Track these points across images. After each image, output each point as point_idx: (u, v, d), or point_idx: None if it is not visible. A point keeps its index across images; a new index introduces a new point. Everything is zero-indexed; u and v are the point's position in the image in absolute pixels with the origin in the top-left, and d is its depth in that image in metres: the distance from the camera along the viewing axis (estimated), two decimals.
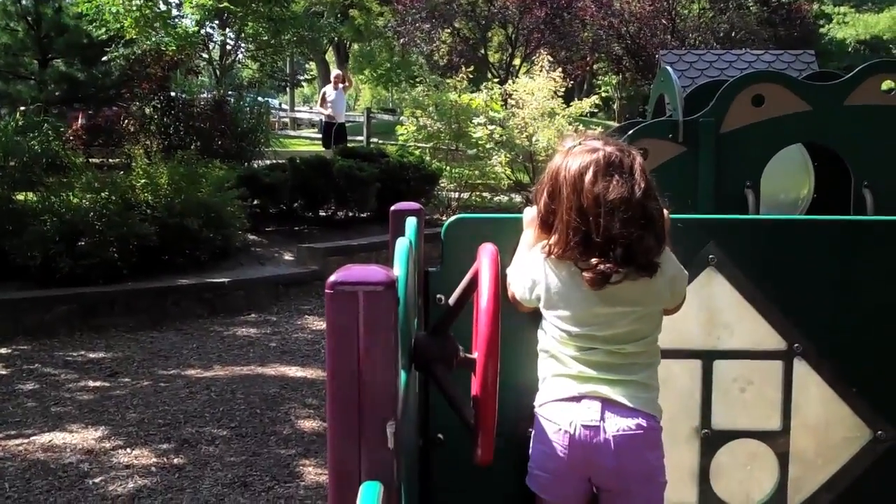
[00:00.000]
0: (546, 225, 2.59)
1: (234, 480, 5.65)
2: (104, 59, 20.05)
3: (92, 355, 8.53)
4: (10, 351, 8.62)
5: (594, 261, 2.46)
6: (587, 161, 2.51)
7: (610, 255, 2.45)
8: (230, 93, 19.58)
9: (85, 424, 6.64)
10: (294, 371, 8.05)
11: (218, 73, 23.56)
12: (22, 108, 18.33)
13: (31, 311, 9.35)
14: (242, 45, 25.13)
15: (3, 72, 20.91)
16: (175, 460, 5.98)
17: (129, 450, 6.16)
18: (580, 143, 2.59)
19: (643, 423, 2.55)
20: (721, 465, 2.97)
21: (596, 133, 2.73)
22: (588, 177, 2.48)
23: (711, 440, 2.96)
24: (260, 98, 19.45)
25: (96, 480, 5.66)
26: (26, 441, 6.32)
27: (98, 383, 7.65)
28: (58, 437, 6.39)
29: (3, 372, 7.96)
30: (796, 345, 2.93)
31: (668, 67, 8.17)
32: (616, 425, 2.52)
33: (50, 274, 9.65)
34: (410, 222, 2.80)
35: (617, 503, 2.61)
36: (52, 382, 7.68)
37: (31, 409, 6.99)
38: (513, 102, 17.98)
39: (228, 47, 24.68)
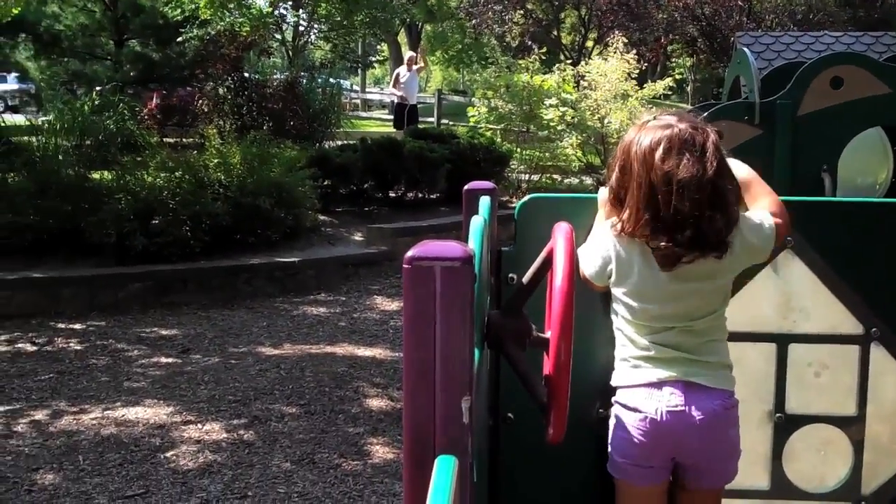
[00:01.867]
0: (617, 200, 2.57)
1: (303, 457, 5.70)
2: (179, 39, 20.18)
3: (164, 332, 8.64)
4: (84, 326, 8.77)
5: (663, 244, 2.45)
6: (659, 137, 2.48)
7: (678, 237, 2.42)
8: (302, 74, 19.66)
9: (157, 399, 6.74)
10: (362, 350, 8.09)
11: (290, 54, 23.71)
12: (98, 87, 18.58)
13: (105, 288, 9.50)
14: (315, 26, 25.27)
15: (80, 52, 21.21)
16: (245, 436, 6.05)
17: (199, 425, 6.24)
18: (654, 118, 2.57)
19: (724, 402, 2.56)
20: (794, 449, 2.94)
21: (672, 111, 2.71)
22: (659, 153, 2.46)
23: (785, 425, 2.93)
24: (332, 79, 19.51)
25: (168, 455, 5.75)
26: (100, 415, 6.43)
27: (170, 359, 7.76)
28: (130, 412, 6.49)
29: (78, 347, 8.10)
30: (874, 329, 2.88)
31: (745, 49, 8.03)
32: (701, 408, 2.52)
33: (124, 251, 9.79)
34: (484, 201, 2.80)
35: (701, 478, 2.63)
36: (125, 358, 7.80)
37: (105, 384, 7.11)
38: (585, 84, 17.84)
39: (301, 28, 24.83)
